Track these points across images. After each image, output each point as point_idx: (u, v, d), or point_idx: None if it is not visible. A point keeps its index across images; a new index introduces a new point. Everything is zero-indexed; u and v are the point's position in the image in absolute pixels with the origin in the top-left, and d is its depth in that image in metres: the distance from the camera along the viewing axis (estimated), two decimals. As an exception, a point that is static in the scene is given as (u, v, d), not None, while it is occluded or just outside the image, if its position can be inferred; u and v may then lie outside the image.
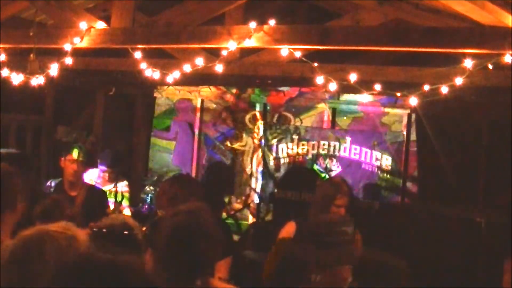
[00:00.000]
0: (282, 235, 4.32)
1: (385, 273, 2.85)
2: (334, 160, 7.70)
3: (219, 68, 4.49)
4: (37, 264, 1.92)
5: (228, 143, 8.34)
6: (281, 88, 7.88)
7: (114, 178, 6.29)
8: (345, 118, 7.93)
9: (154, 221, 4.01)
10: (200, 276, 2.68)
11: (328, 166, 7.69)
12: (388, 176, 7.51)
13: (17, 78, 4.83)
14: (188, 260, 2.65)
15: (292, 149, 7.86)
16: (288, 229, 4.35)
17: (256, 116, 8.20)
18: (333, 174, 7.57)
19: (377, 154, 7.54)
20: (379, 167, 7.51)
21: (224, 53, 4.22)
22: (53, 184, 5.57)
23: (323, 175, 7.52)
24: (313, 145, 7.80)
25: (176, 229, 2.71)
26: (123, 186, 6.53)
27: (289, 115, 8.17)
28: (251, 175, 8.19)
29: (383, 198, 7.35)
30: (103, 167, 7.19)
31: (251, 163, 8.22)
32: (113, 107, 8.23)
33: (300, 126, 7.98)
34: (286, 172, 7.74)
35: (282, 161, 7.94)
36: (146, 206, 7.47)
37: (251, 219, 7.97)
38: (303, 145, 7.84)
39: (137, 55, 4.67)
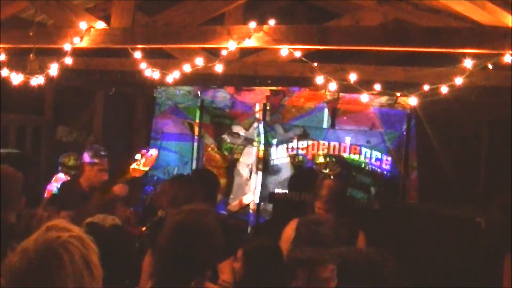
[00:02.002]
0: (286, 233, 4.35)
1: (372, 272, 2.81)
2: (334, 160, 7.70)
3: (219, 68, 4.49)
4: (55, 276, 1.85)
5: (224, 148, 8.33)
6: (281, 88, 7.87)
7: None
8: (345, 118, 7.93)
9: (154, 221, 4.01)
10: (196, 277, 2.68)
11: (328, 166, 7.68)
12: (388, 176, 7.51)
13: (17, 78, 4.83)
14: (187, 258, 2.65)
15: (292, 149, 7.85)
16: (292, 227, 4.38)
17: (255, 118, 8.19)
18: (333, 174, 7.56)
19: (377, 154, 7.54)
20: (379, 167, 7.51)
21: (224, 53, 4.21)
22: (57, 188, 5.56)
23: (323, 175, 7.51)
24: (313, 145, 7.80)
25: (178, 226, 2.71)
26: None
27: (288, 114, 8.16)
28: (250, 175, 8.17)
29: (383, 198, 7.35)
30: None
31: (251, 164, 8.20)
32: (113, 107, 8.23)
33: (300, 126, 7.97)
34: (286, 173, 7.74)
35: (282, 161, 7.93)
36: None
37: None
38: (302, 145, 7.83)
39: (137, 55, 4.67)
